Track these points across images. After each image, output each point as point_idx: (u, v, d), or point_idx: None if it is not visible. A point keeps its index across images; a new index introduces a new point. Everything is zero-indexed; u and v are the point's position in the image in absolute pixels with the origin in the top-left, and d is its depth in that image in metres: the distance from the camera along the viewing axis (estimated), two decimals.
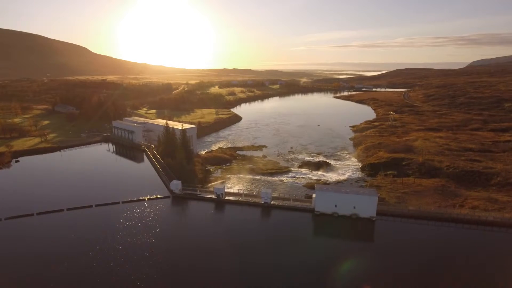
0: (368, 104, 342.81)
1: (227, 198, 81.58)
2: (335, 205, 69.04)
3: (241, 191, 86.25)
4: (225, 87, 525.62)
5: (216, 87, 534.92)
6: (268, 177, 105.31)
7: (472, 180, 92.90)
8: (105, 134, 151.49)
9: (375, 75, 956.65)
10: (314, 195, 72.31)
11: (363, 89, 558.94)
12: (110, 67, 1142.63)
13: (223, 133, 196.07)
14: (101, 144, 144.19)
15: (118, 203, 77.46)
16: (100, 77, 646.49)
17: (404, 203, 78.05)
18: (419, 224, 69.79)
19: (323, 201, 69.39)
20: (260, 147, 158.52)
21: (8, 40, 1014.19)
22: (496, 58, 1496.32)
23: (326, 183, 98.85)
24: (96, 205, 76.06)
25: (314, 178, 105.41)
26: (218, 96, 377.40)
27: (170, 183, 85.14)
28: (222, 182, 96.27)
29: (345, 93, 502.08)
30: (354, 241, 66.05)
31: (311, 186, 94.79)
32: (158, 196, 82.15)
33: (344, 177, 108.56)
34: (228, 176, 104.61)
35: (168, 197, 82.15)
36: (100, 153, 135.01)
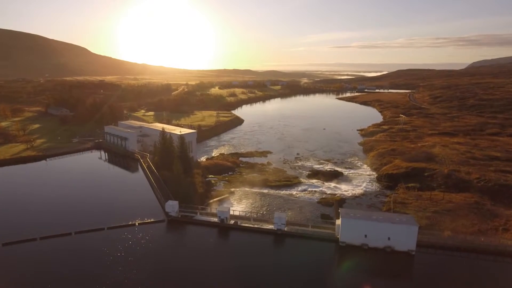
0: (373, 106, 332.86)
1: (232, 221, 69.44)
2: (365, 236, 57.23)
3: (249, 214, 74.23)
4: (225, 88, 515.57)
5: (217, 88, 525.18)
6: (277, 191, 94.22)
7: (508, 196, 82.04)
8: (96, 141, 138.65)
9: (376, 76, 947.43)
10: (338, 222, 60.30)
11: (366, 90, 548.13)
12: (109, 68, 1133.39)
13: (225, 136, 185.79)
14: (91, 151, 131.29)
15: (102, 229, 65.28)
16: (99, 78, 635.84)
17: (437, 225, 67.20)
18: (468, 258, 57.72)
19: (351, 230, 57.54)
20: (264, 153, 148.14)
21: (8, 40, 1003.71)
22: (497, 59, 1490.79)
23: (342, 198, 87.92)
24: (76, 233, 63.97)
25: (328, 192, 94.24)
26: (219, 97, 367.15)
27: (165, 203, 72.87)
28: (225, 198, 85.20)
29: (348, 94, 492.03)
30: (389, 280, 53.96)
31: (326, 203, 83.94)
32: (151, 220, 69.65)
33: (360, 190, 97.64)
34: (232, 189, 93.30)
35: (162, 221, 69.78)
36: (89, 162, 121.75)
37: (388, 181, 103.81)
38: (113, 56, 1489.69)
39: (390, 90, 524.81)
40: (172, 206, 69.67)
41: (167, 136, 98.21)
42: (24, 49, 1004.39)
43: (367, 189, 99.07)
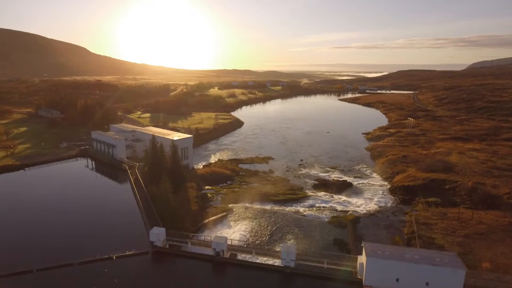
0: (377, 108, 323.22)
1: (230, 254, 57.41)
2: (397, 279, 45.57)
3: (249, 243, 62.96)
4: (225, 88, 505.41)
5: (216, 88, 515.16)
6: (281, 207, 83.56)
7: None
8: (82, 147, 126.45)
9: (377, 77, 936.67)
10: (360, 259, 49.39)
11: (367, 91, 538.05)
12: (109, 68, 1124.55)
13: (224, 140, 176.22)
14: (76, 160, 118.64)
15: (71, 265, 53.46)
16: (97, 78, 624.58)
17: (472, 253, 57.02)
18: None
19: (378, 272, 45.98)
20: (265, 159, 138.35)
21: (7, 40, 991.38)
22: (497, 60, 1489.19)
23: (355, 216, 77.48)
24: (38, 270, 52.07)
25: (338, 208, 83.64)
26: (218, 98, 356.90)
27: (150, 230, 59.72)
28: (222, 217, 74.44)
29: (349, 95, 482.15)
30: None
31: (338, 223, 73.09)
32: (132, 252, 56.85)
33: (374, 205, 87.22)
34: (230, 205, 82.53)
35: (146, 253, 57.34)
36: (71, 174, 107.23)
37: (404, 194, 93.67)
38: (113, 56, 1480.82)
39: (392, 91, 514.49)
40: (158, 234, 57.43)
41: (158, 144, 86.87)
42: (23, 49, 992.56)
43: (381, 204, 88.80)
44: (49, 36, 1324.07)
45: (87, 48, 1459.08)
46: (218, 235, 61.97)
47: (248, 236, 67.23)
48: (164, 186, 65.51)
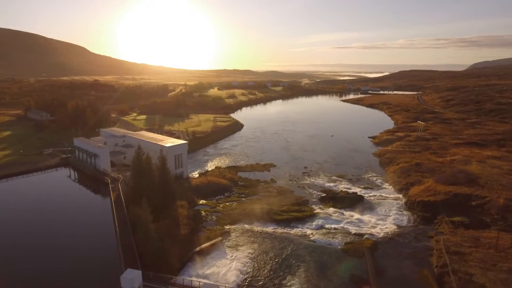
0: (381, 109, 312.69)
1: None
2: None
3: (249, 284, 51.91)
4: (225, 88, 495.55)
5: (216, 88, 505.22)
6: (285, 229, 72.24)
7: None
8: (64, 156, 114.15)
9: (378, 77, 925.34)
10: None
11: (370, 91, 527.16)
12: (109, 67, 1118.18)
13: (224, 144, 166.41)
14: (56, 170, 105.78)
15: None
16: (97, 78, 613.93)
17: None
18: None
19: None
20: (267, 166, 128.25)
21: (7, 40, 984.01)
22: (498, 60, 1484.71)
23: (373, 241, 66.42)
24: None
25: (352, 230, 72.22)
26: (217, 99, 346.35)
27: (124, 270, 45.96)
28: (217, 243, 63.33)
29: (351, 96, 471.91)
30: None
31: (354, 251, 61.41)
32: None
33: (391, 225, 76.07)
34: (227, 227, 71.52)
35: None
36: (46, 189, 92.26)
37: (424, 210, 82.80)
38: (113, 56, 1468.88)
39: (395, 92, 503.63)
40: (132, 280, 43.06)
41: (143, 155, 75.41)
42: (23, 49, 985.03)
43: (399, 222, 77.93)
44: (49, 36, 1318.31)
45: (87, 48, 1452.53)
46: (208, 282, 49.22)
47: (247, 270, 56.02)
48: (144, 215, 53.53)
